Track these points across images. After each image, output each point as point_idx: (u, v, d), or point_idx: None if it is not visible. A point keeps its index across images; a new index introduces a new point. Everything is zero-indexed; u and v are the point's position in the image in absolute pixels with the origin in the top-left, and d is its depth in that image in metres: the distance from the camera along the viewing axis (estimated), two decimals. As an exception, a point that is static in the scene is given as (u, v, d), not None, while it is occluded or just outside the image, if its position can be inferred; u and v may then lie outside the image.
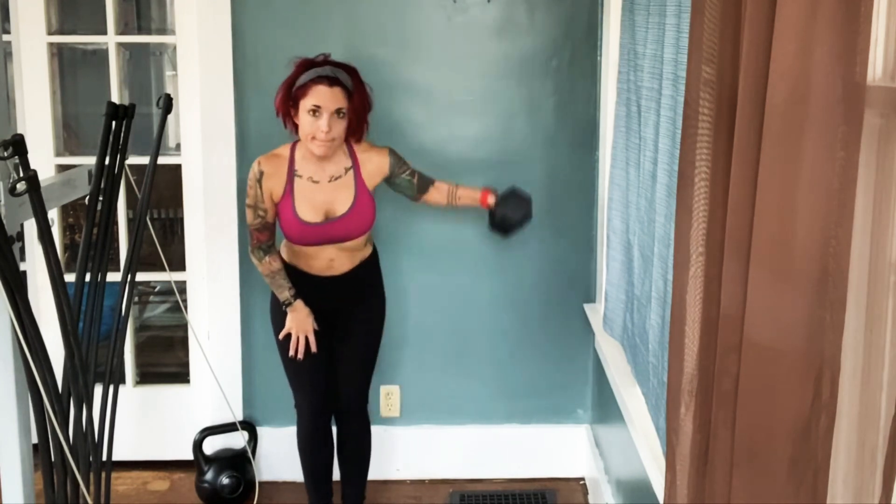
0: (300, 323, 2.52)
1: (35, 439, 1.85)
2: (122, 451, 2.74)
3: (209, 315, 3.04)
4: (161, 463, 3.21)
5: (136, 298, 3.55)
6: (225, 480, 2.97)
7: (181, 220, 3.10)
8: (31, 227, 2.65)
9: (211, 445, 3.05)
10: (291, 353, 2.54)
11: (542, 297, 3.06)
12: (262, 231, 2.47)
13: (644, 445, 2.03)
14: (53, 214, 3.02)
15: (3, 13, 2.92)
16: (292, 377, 2.62)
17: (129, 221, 3.10)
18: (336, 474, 2.76)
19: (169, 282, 2.80)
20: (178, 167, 3.05)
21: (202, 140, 2.93)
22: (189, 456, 3.06)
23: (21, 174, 1.65)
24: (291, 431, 2.73)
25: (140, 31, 3.29)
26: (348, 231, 2.47)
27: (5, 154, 1.61)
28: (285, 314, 2.53)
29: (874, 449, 1.20)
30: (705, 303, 1.32)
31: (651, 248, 2.01)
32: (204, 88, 2.90)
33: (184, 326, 3.31)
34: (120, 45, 3.01)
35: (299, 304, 2.51)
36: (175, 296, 2.78)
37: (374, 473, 2.83)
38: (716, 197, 1.28)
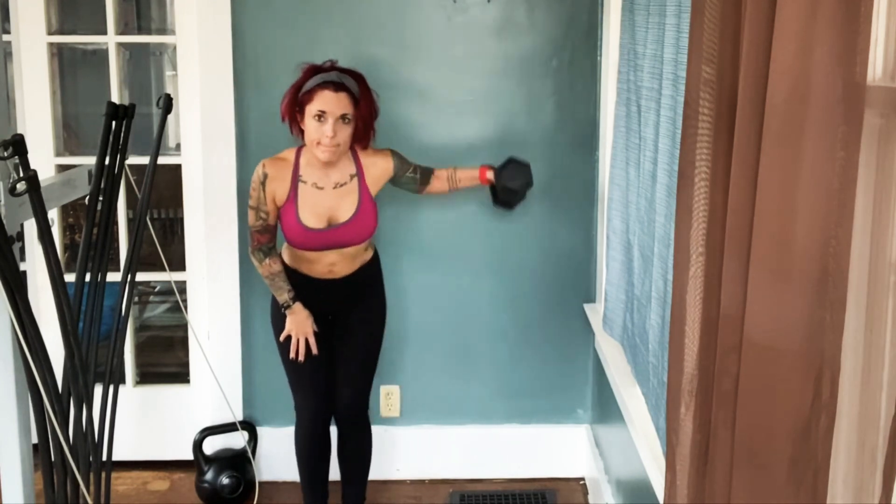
0: (300, 325, 2.52)
1: (35, 439, 1.85)
2: (122, 451, 2.73)
3: (209, 315, 3.04)
4: (161, 463, 3.21)
5: (136, 298, 3.55)
6: (225, 480, 2.97)
7: (181, 220, 3.10)
8: (31, 227, 2.65)
9: (211, 445, 3.05)
10: (292, 355, 2.54)
11: (542, 297, 3.06)
12: (264, 233, 2.47)
13: (644, 445, 2.03)
14: (53, 214, 3.02)
15: (3, 13, 2.92)
16: (293, 379, 2.62)
17: (129, 221, 3.10)
18: (336, 474, 2.77)
19: (169, 282, 2.80)
20: (178, 167, 3.05)
21: (202, 140, 2.93)
22: (189, 456, 3.06)
23: (21, 174, 1.65)
24: (291, 431, 2.72)
25: (140, 31, 3.29)
26: (350, 238, 2.48)
27: (5, 154, 1.61)
28: (285, 316, 2.53)
29: (874, 449, 1.20)
30: (705, 303, 1.32)
31: (651, 248, 2.01)
32: (204, 88, 2.90)
33: (184, 326, 3.31)
34: (120, 45, 3.01)
35: (298, 306, 2.51)
36: (175, 296, 2.78)
37: (374, 473, 2.83)
38: (716, 197, 1.28)
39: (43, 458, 1.85)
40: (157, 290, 3.86)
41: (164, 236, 3.59)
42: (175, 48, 3.00)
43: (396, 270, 2.95)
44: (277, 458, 3.08)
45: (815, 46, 1.03)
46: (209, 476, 2.98)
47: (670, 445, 1.46)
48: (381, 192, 2.56)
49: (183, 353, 3.25)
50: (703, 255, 1.32)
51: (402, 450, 3.14)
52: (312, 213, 2.44)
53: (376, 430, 2.82)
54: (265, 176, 2.42)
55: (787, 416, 1.12)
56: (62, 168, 2.96)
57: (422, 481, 3.15)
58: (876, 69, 1.17)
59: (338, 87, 2.35)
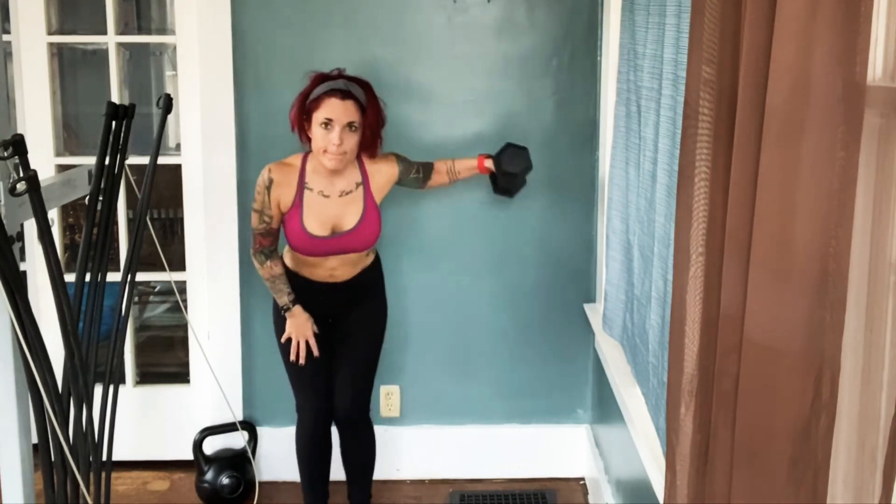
0: (300, 327, 2.53)
1: (35, 439, 1.85)
2: (122, 451, 2.74)
3: (209, 315, 3.04)
4: (161, 463, 3.21)
5: (136, 298, 3.55)
6: (225, 480, 2.97)
7: (181, 220, 3.10)
8: (31, 227, 2.65)
9: (211, 445, 3.05)
10: (292, 358, 2.54)
11: (542, 297, 3.06)
12: (266, 236, 2.47)
13: (644, 445, 2.03)
14: (53, 214, 3.02)
15: (3, 13, 2.92)
16: (294, 380, 2.63)
17: (129, 221, 3.10)
18: (336, 475, 2.76)
19: (169, 282, 2.80)
20: (178, 167, 3.05)
21: (202, 140, 2.93)
22: (189, 456, 3.06)
23: (21, 174, 1.65)
24: (291, 431, 2.73)
25: (140, 31, 3.29)
26: (354, 245, 2.48)
27: (5, 154, 1.61)
28: (286, 319, 2.53)
29: (874, 449, 1.20)
30: (705, 303, 1.32)
31: (651, 248, 2.01)
32: (204, 88, 2.90)
33: (184, 326, 3.31)
34: (120, 45, 3.01)
35: (298, 309, 2.52)
36: (175, 296, 2.78)
37: (374, 473, 2.83)
38: (716, 197, 1.28)
39: (43, 458, 1.85)
40: (157, 290, 3.86)
41: (164, 236, 3.59)
42: (175, 48, 3.00)
43: (397, 270, 2.95)
44: (277, 458, 3.08)
45: (815, 46, 1.03)
46: (209, 476, 2.98)
47: (670, 445, 1.46)
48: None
49: (183, 353, 3.25)
50: (703, 255, 1.32)
51: (402, 450, 3.14)
52: (317, 220, 2.44)
53: (377, 431, 2.81)
54: (271, 181, 2.43)
55: (787, 416, 1.12)
56: (62, 168, 2.96)
57: (422, 481, 3.15)
58: (876, 69, 1.17)
59: (344, 94, 2.35)
